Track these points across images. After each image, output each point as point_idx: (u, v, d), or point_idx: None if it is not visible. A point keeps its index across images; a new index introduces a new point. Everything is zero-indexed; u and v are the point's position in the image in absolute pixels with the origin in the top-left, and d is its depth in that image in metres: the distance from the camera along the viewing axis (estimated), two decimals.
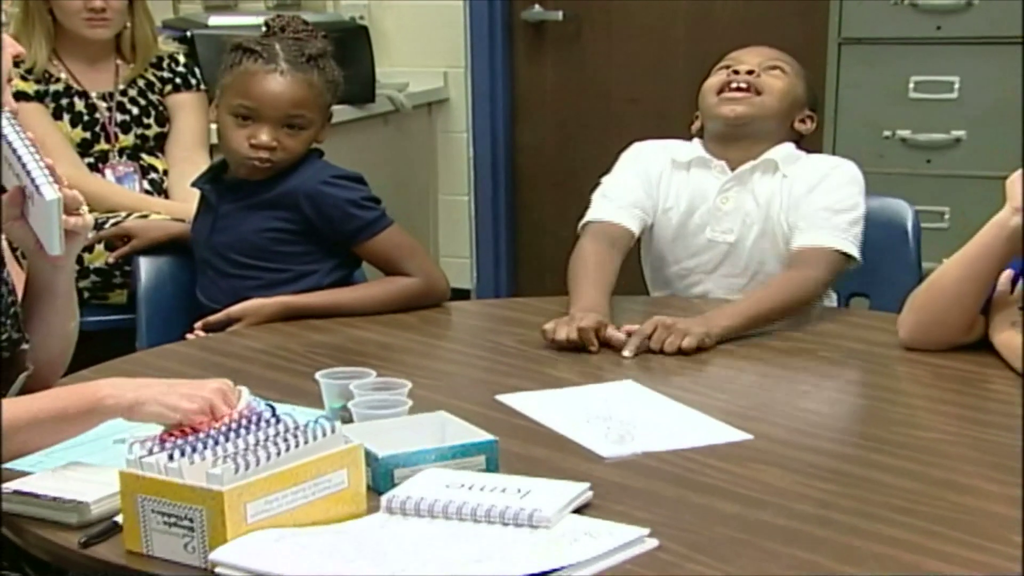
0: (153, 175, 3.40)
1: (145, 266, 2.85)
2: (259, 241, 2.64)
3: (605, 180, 2.78)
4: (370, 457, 1.66)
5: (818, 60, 3.71)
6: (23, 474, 1.72)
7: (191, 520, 1.49)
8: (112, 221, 3.08)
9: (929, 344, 2.28)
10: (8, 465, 1.72)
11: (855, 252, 2.58)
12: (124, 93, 3.41)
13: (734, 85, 2.69)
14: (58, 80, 3.36)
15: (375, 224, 2.65)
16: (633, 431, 1.92)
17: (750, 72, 2.70)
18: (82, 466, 1.73)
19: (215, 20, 3.95)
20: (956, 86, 3.72)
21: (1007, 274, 2.25)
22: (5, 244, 2.00)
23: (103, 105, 3.39)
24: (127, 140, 3.39)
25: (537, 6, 4.73)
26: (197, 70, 3.53)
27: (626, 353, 2.32)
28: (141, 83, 3.44)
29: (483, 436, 1.75)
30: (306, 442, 1.58)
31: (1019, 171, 2.17)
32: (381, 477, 1.66)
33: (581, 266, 2.59)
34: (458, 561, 1.46)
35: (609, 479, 1.74)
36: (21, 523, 1.64)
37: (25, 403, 1.76)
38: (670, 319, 2.36)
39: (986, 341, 2.26)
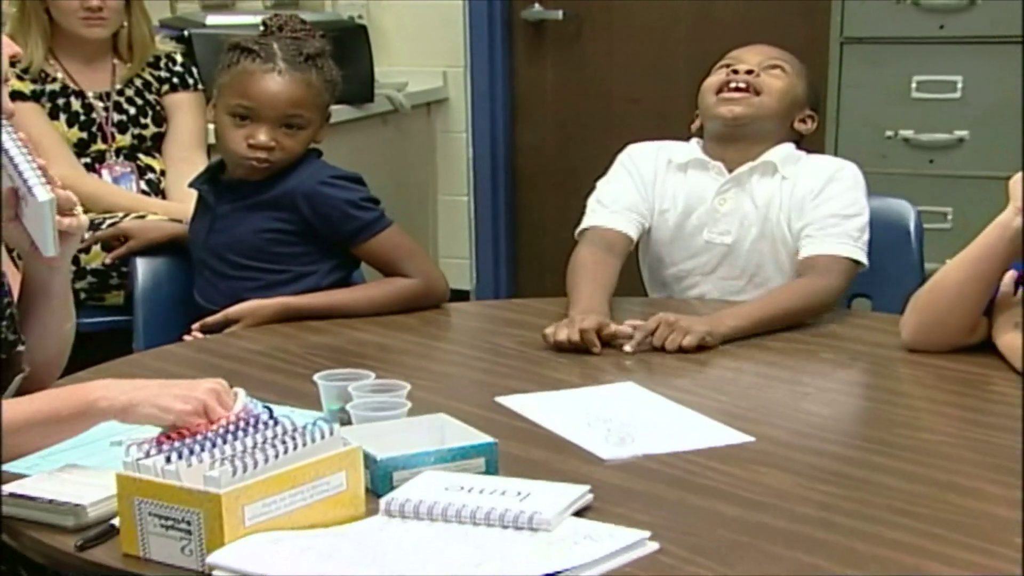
0: (150, 175, 3.39)
1: (142, 267, 2.84)
2: (257, 242, 2.63)
3: (600, 184, 2.77)
4: (369, 459, 1.65)
5: (820, 60, 3.71)
6: (19, 476, 1.71)
7: (188, 523, 1.48)
8: (109, 222, 3.07)
9: (931, 345, 2.28)
10: (4, 467, 1.71)
11: (866, 260, 2.59)
12: (121, 93, 3.40)
13: (733, 85, 2.68)
14: (54, 80, 3.35)
15: (374, 225, 2.64)
16: (633, 433, 1.92)
17: (749, 72, 2.69)
18: (78, 468, 1.73)
19: (212, 19, 3.94)
20: (959, 86, 3.71)
21: (1010, 275, 2.25)
22: (1, 246, 1.99)
23: (100, 105, 3.38)
24: (124, 140, 3.39)
25: (537, 5, 4.73)
26: (194, 70, 3.52)
27: (627, 349, 2.32)
28: (138, 83, 3.43)
29: (483, 438, 1.75)
30: (304, 444, 1.57)
31: (1022, 172, 2.16)
32: (380, 480, 1.65)
33: (579, 271, 2.59)
34: (458, 564, 1.45)
35: (609, 481, 1.73)
36: (17, 526, 1.63)
37: (18, 405, 1.75)
38: (673, 316, 2.36)
39: (989, 343, 2.26)
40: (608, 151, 2.85)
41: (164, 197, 3.36)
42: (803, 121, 2.76)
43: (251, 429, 1.62)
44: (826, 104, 3.69)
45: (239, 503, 1.48)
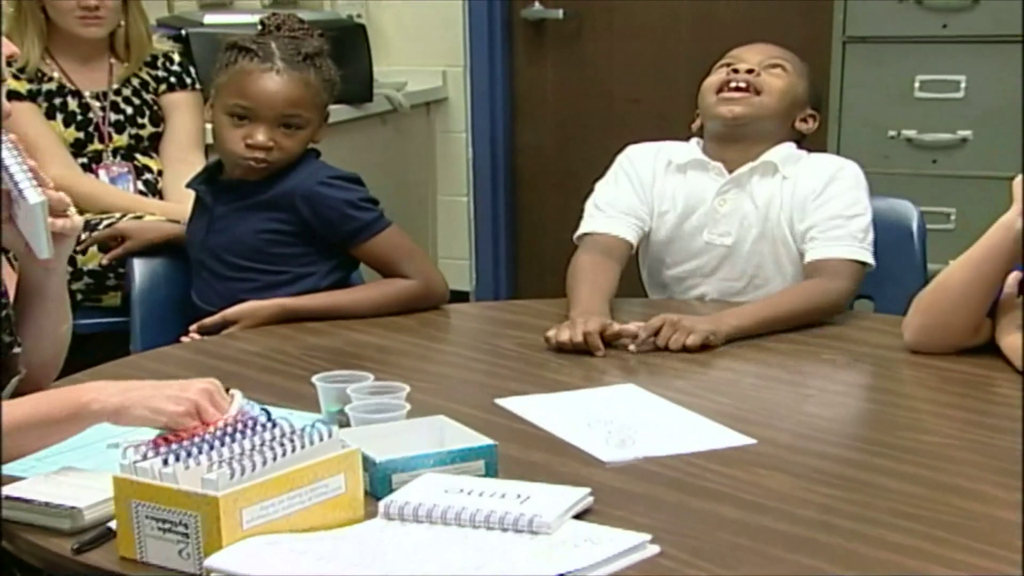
0: (147, 175, 3.38)
1: (139, 268, 2.84)
2: (255, 243, 2.63)
3: (598, 187, 2.77)
4: (368, 462, 1.65)
5: (822, 59, 3.71)
6: (15, 479, 1.70)
7: (186, 526, 1.48)
8: (106, 222, 3.07)
9: (934, 347, 2.27)
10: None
11: (872, 260, 2.59)
12: (118, 92, 3.40)
13: (733, 84, 2.68)
14: (51, 79, 3.34)
15: (373, 225, 2.63)
16: (634, 435, 1.91)
17: (750, 71, 2.68)
18: (75, 471, 1.72)
19: (210, 18, 3.93)
20: (962, 85, 3.71)
21: (1014, 276, 2.24)
22: None
23: (97, 105, 3.37)
24: (121, 140, 3.38)
25: (537, 4, 4.73)
26: (192, 69, 3.52)
27: (632, 348, 2.32)
28: (135, 82, 3.42)
29: (482, 440, 1.74)
30: (303, 447, 1.57)
31: (1022, 172, 2.16)
32: (379, 482, 1.65)
33: (579, 274, 2.59)
34: (457, 567, 1.45)
35: (610, 484, 1.73)
36: (13, 529, 1.62)
37: (10, 408, 1.74)
38: (676, 316, 2.36)
39: (992, 344, 2.25)
40: (608, 151, 2.85)
41: (161, 197, 3.35)
42: (804, 121, 2.75)
43: (249, 431, 1.61)
44: (828, 104, 3.70)
45: (237, 506, 1.47)
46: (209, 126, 2.79)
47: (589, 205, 2.75)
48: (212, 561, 1.45)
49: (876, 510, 1.65)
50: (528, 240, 4.94)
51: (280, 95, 2.57)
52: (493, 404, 2.07)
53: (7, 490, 1.65)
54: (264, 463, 1.51)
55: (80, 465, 1.74)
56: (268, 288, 2.61)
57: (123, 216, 3.09)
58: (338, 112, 3.54)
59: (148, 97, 3.42)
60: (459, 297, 3.80)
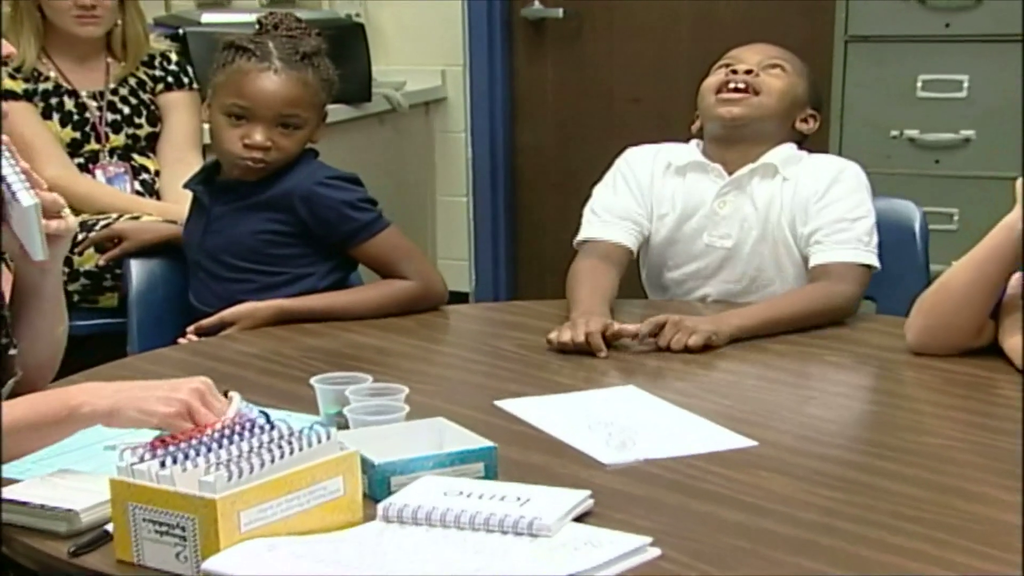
0: (144, 176, 3.37)
1: (136, 269, 2.83)
2: (253, 243, 2.62)
3: (596, 192, 2.76)
4: (366, 464, 1.64)
5: (824, 59, 3.71)
6: (12, 481, 1.69)
7: (183, 529, 1.47)
8: (103, 223, 3.06)
9: (937, 348, 2.27)
10: None
11: (878, 263, 2.58)
12: (115, 92, 3.39)
13: (732, 85, 2.67)
14: (47, 79, 3.33)
15: (372, 226, 2.63)
16: (635, 437, 1.91)
17: (748, 71, 2.67)
18: (72, 473, 1.71)
19: (208, 17, 3.93)
20: (965, 85, 3.70)
21: (1017, 277, 2.24)
22: None
23: (93, 104, 3.36)
24: (118, 140, 3.37)
25: (537, 3, 4.73)
26: (189, 68, 3.51)
27: (631, 338, 2.32)
28: (132, 82, 3.42)
29: (482, 443, 1.74)
30: (301, 449, 1.56)
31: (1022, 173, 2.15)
32: (377, 485, 1.65)
33: (578, 279, 2.58)
34: (457, 570, 1.44)
35: (610, 486, 1.72)
36: (9, 532, 1.61)
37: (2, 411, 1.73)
38: (678, 316, 2.35)
39: (995, 346, 2.25)
40: (609, 151, 2.84)
41: (158, 198, 3.35)
42: (805, 121, 2.74)
43: (247, 433, 1.60)
44: (830, 104, 3.69)
45: (235, 508, 1.47)
46: (206, 126, 2.78)
47: (587, 211, 2.74)
48: (210, 564, 1.45)
49: (878, 512, 1.64)
50: (528, 240, 4.94)
51: (278, 95, 2.56)
52: (493, 406, 2.06)
53: (3, 492, 1.64)
54: (262, 465, 1.51)
55: (77, 467, 1.73)
56: (266, 289, 2.60)
57: (120, 217, 3.08)
58: (336, 112, 3.53)
59: (145, 97, 3.42)
60: (458, 298, 3.80)
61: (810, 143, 2.77)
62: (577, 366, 2.28)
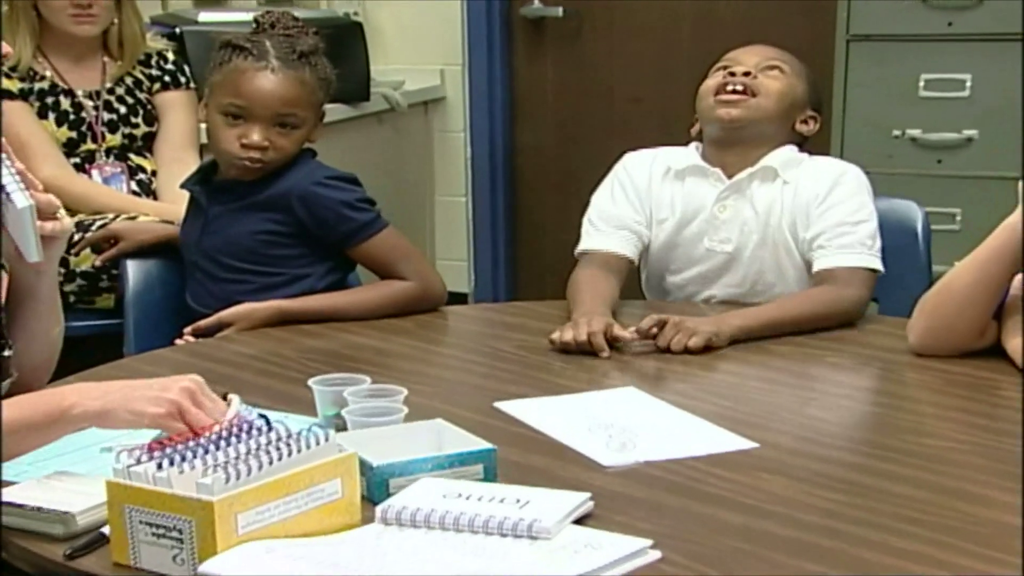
0: (141, 176, 3.37)
1: (133, 270, 2.82)
2: (251, 244, 2.62)
3: (594, 200, 2.75)
4: (365, 466, 1.64)
5: (826, 58, 3.71)
6: (7, 483, 1.68)
7: (180, 531, 1.47)
8: (99, 223, 3.06)
9: (939, 350, 2.26)
10: None
11: (882, 266, 2.58)
12: (111, 91, 3.38)
13: (730, 87, 2.66)
14: (43, 78, 3.32)
15: (370, 226, 2.62)
16: (635, 439, 1.90)
17: (746, 73, 2.66)
18: (68, 475, 1.71)
19: (205, 16, 3.92)
20: (967, 84, 3.70)
21: (1020, 278, 2.24)
22: None
23: (89, 104, 3.35)
24: (114, 140, 3.36)
25: (537, 2, 4.73)
26: (186, 68, 3.51)
27: (630, 336, 2.32)
28: (129, 81, 3.41)
29: (481, 444, 1.73)
30: (299, 451, 1.56)
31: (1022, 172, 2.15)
32: (376, 487, 1.64)
33: (579, 285, 2.58)
34: (456, 571, 1.44)
35: (610, 489, 1.72)
36: (4, 534, 1.61)
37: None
38: (679, 317, 2.35)
39: (998, 347, 2.24)
40: (609, 152, 2.84)
41: (155, 198, 3.34)
42: (805, 122, 2.74)
43: (244, 435, 1.60)
44: (832, 103, 3.69)
45: (232, 511, 1.46)
46: (203, 125, 2.78)
47: (586, 221, 2.74)
48: (207, 567, 1.44)
49: (880, 514, 1.64)
50: (527, 241, 4.93)
51: (275, 94, 2.56)
52: (492, 407, 2.05)
53: None
54: (260, 467, 1.50)
55: (73, 469, 1.73)
56: (264, 290, 2.59)
57: (116, 217, 3.07)
58: (334, 111, 3.53)
59: (142, 96, 3.41)
60: (457, 299, 3.79)
61: (811, 144, 2.77)
62: (577, 367, 2.28)
